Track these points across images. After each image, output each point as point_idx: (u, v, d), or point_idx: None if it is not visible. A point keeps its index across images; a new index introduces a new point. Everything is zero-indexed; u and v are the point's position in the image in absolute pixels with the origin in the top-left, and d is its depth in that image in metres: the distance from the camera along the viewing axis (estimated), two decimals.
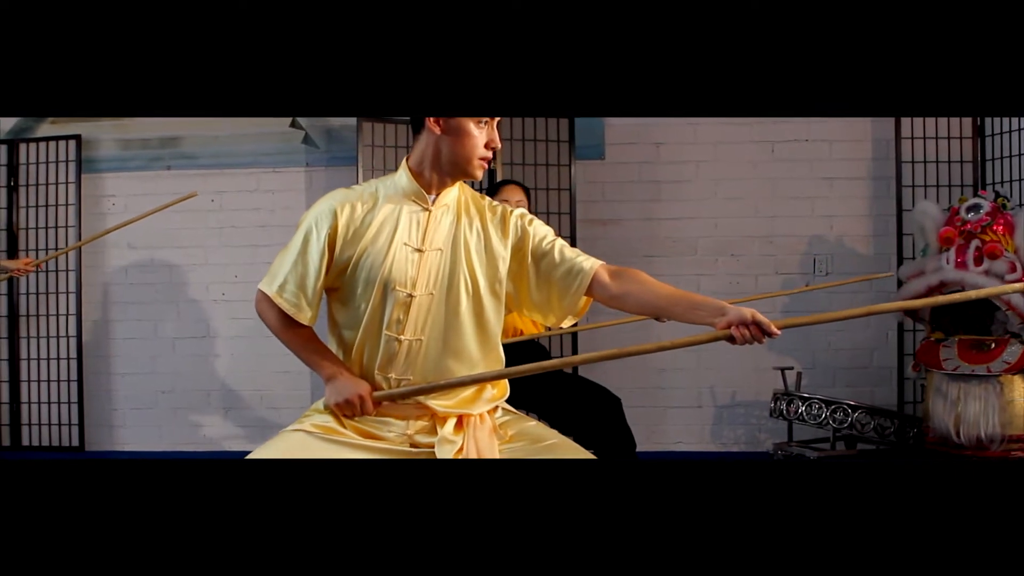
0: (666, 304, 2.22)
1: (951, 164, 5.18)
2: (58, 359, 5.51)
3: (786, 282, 5.26)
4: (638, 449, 3.67)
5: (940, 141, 5.19)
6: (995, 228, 4.37)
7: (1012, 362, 4.27)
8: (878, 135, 5.30)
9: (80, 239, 5.33)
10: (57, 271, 5.50)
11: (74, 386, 5.49)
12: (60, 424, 5.50)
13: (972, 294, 2.39)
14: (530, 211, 2.69)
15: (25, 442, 5.53)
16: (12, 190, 5.52)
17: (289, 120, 5.49)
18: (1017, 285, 3.60)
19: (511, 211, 2.33)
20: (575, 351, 5.09)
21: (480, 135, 2.21)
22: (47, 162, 5.51)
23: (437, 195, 2.27)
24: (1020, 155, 4.89)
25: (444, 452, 2.17)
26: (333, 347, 2.29)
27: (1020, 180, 4.88)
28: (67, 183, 5.50)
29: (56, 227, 5.49)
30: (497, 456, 2.21)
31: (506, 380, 2.36)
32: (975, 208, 4.46)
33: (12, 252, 5.45)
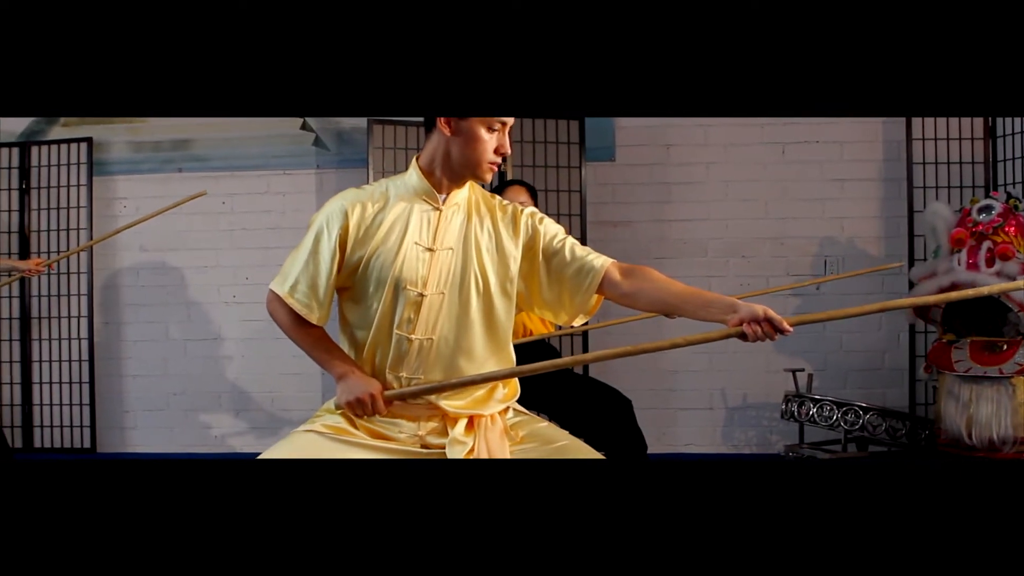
0: (678, 301, 2.21)
1: (963, 165, 5.16)
2: (70, 361, 5.53)
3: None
4: (649, 451, 3.67)
5: (951, 142, 5.17)
6: (1007, 229, 4.36)
7: None
8: (889, 136, 5.28)
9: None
10: (69, 273, 5.53)
11: (86, 388, 5.51)
12: (72, 426, 5.52)
13: (984, 290, 2.40)
14: None
15: (37, 444, 5.54)
16: (24, 193, 5.54)
17: (300, 122, 5.51)
18: None
19: (522, 210, 2.32)
20: (586, 351, 5.08)
21: (490, 140, 2.20)
22: (59, 165, 5.53)
23: (447, 194, 2.26)
24: None
25: (455, 453, 2.17)
26: (344, 346, 2.28)
27: None
28: (79, 186, 5.52)
29: (68, 230, 5.51)
30: (508, 457, 2.20)
31: (517, 381, 2.36)
32: (987, 209, 4.44)
33: (24, 255, 5.46)
